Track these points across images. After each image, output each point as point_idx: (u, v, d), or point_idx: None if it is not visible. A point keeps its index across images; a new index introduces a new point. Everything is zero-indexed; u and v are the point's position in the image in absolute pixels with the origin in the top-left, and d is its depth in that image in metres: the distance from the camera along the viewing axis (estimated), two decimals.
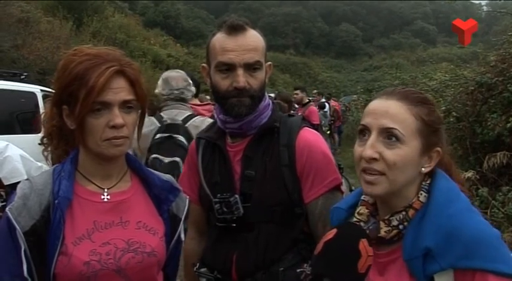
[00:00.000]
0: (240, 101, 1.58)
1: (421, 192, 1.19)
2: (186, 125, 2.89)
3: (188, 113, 3.01)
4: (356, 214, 1.28)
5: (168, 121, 2.87)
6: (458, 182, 1.26)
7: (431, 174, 1.22)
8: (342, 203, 1.39)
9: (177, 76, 3.09)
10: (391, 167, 1.14)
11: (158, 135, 2.79)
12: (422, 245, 1.10)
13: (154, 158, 2.72)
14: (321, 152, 1.64)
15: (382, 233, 1.19)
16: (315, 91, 9.98)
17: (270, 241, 1.60)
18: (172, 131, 2.81)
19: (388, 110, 1.17)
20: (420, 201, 1.18)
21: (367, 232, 1.21)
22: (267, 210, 1.61)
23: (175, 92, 3.03)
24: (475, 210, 1.16)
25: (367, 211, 1.27)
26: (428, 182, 1.21)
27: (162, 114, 2.92)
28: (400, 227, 1.17)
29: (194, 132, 2.86)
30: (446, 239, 1.08)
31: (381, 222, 1.21)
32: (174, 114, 2.93)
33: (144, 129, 2.81)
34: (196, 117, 2.99)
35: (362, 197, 1.30)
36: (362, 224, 1.24)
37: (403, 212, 1.18)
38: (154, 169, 2.53)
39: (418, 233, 1.13)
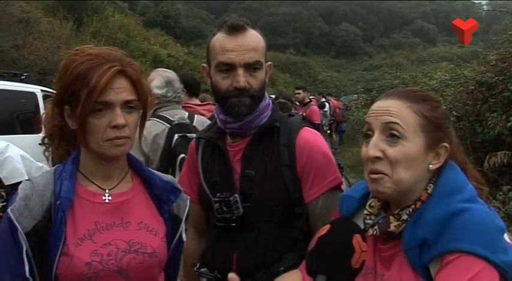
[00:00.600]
0: (240, 101, 1.58)
1: (430, 184, 1.19)
2: (193, 124, 2.93)
3: (187, 112, 3.05)
4: (367, 207, 1.28)
5: (177, 121, 2.88)
6: (475, 180, 1.25)
7: (441, 168, 1.21)
8: (353, 191, 1.38)
9: (176, 78, 3.11)
10: (394, 165, 1.15)
11: (177, 136, 2.80)
12: (419, 235, 1.11)
13: (183, 157, 2.71)
14: (321, 151, 1.64)
15: (392, 227, 1.19)
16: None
17: (270, 240, 1.60)
18: (183, 130, 2.83)
19: (388, 108, 1.18)
20: (428, 193, 1.18)
21: (377, 226, 1.21)
22: (267, 210, 1.61)
23: (179, 95, 3.07)
24: (479, 201, 1.15)
25: (378, 204, 1.27)
26: (437, 175, 1.21)
27: (164, 115, 2.92)
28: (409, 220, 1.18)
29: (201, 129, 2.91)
30: (442, 227, 1.08)
31: (390, 217, 1.21)
32: (180, 114, 2.96)
33: (156, 132, 2.81)
34: (196, 116, 3.05)
35: None
36: (372, 217, 1.25)
37: (412, 206, 1.18)
38: None
39: (417, 223, 1.13)
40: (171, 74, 3.14)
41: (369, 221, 1.24)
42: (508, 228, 4.40)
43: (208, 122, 3.18)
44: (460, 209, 1.09)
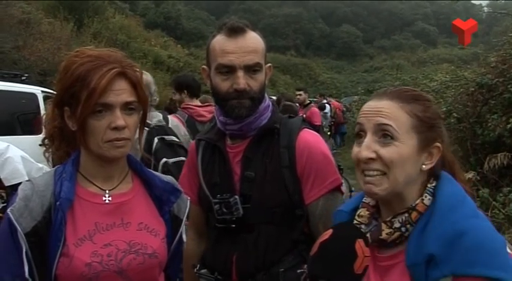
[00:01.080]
0: (240, 103, 1.58)
1: (426, 194, 1.17)
2: (169, 126, 2.95)
3: (160, 115, 3.05)
4: (356, 217, 1.26)
5: (154, 124, 2.87)
6: (462, 181, 1.24)
7: (436, 176, 1.20)
8: (344, 206, 1.37)
9: (151, 80, 3.08)
10: (389, 166, 1.13)
11: (156, 139, 2.79)
12: (425, 251, 1.08)
13: (165, 162, 2.71)
14: (320, 153, 1.64)
15: (384, 235, 1.17)
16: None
17: (270, 242, 1.61)
18: (161, 133, 2.82)
19: (380, 109, 1.17)
20: (424, 204, 1.16)
21: (369, 234, 1.19)
22: (267, 211, 1.61)
23: (154, 97, 3.07)
24: (481, 215, 1.13)
25: (367, 213, 1.25)
26: (433, 185, 1.19)
27: None
28: (403, 229, 1.15)
29: (176, 131, 2.94)
30: (450, 245, 1.06)
31: (382, 224, 1.18)
32: (157, 117, 2.95)
33: (135, 136, 2.80)
34: (170, 118, 3.09)
35: (363, 200, 1.29)
36: (363, 226, 1.22)
37: (406, 214, 1.16)
38: (169, 173, 2.48)
39: (422, 238, 1.10)
40: (147, 76, 3.08)
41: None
42: (508, 230, 4.40)
43: (180, 124, 3.20)
44: (467, 227, 1.07)
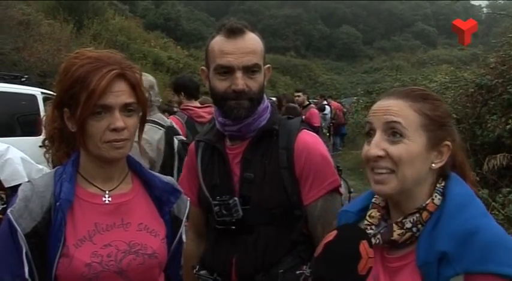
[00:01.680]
0: (238, 104, 1.58)
1: (436, 194, 1.17)
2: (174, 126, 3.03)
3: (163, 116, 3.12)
4: (367, 217, 1.26)
5: (166, 125, 2.93)
6: (471, 182, 1.24)
7: (445, 177, 1.20)
8: (350, 206, 1.37)
9: (155, 81, 3.13)
10: (398, 163, 1.13)
11: (176, 140, 2.83)
12: (438, 249, 1.08)
13: None
14: (319, 154, 1.64)
15: (395, 236, 1.17)
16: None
17: (269, 243, 1.61)
18: (175, 133, 2.87)
19: (389, 107, 1.17)
20: (435, 204, 1.16)
21: (379, 235, 1.19)
22: (266, 212, 1.61)
23: (158, 98, 3.13)
24: (489, 215, 1.14)
25: (378, 214, 1.25)
26: (442, 184, 1.19)
27: (154, 119, 2.94)
28: (414, 229, 1.15)
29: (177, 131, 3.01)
30: (462, 243, 1.06)
31: (393, 225, 1.18)
32: (164, 118, 2.99)
33: (157, 136, 2.84)
34: (168, 120, 3.17)
35: (373, 200, 1.29)
36: (373, 227, 1.22)
37: (417, 214, 1.16)
38: None
39: (433, 237, 1.10)
40: (151, 78, 3.15)
41: (370, 231, 1.21)
42: (508, 231, 4.40)
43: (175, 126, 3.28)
44: (479, 226, 1.08)
